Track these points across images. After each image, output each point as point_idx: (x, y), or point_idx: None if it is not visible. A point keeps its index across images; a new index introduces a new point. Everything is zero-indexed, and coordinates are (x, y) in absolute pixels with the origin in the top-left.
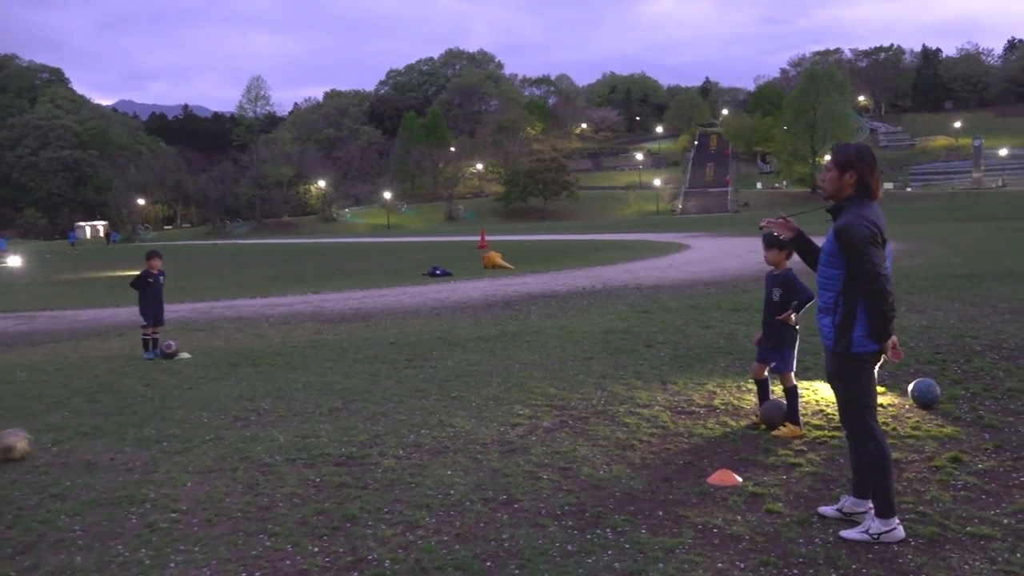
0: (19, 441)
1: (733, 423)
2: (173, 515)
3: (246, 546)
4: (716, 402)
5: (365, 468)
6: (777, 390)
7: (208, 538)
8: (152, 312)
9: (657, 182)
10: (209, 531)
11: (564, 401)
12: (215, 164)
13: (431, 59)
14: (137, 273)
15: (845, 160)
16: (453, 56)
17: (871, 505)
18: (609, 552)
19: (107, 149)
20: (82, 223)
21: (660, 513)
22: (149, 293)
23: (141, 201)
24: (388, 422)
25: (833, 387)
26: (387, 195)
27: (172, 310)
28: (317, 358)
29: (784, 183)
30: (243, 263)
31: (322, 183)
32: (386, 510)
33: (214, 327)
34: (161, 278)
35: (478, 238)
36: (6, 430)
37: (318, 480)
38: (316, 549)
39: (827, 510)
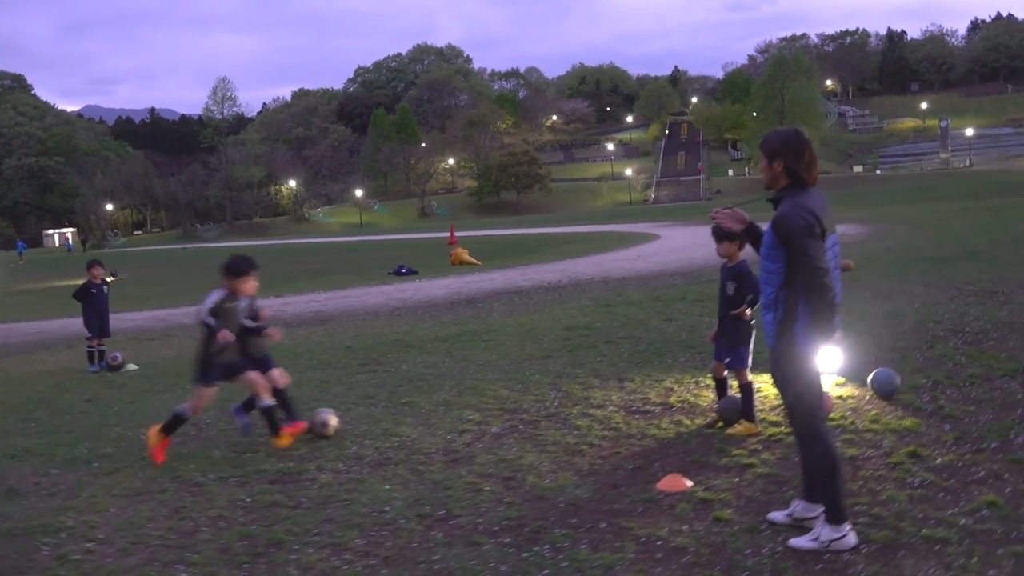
0: (332, 418)
1: (688, 422)
2: (88, 545)
3: None
4: (672, 400)
5: (300, 485)
6: (735, 386)
7: (120, 570)
8: (97, 323)
9: (629, 172)
10: (123, 562)
11: (516, 404)
12: (183, 167)
13: (399, 55)
14: (81, 283)
15: (769, 148)
16: (421, 52)
17: (823, 509)
18: (545, 572)
19: (73, 155)
20: (51, 231)
21: (603, 525)
22: (92, 304)
23: (109, 207)
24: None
25: (777, 387)
26: (359, 193)
27: (128, 318)
28: None
29: (755, 169)
30: (209, 267)
31: (293, 183)
32: (315, 531)
33: (168, 336)
34: (105, 287)
35: (454, 234)
36: (322, 408)
37: (248, 500)
38: None
39: (777, 516)
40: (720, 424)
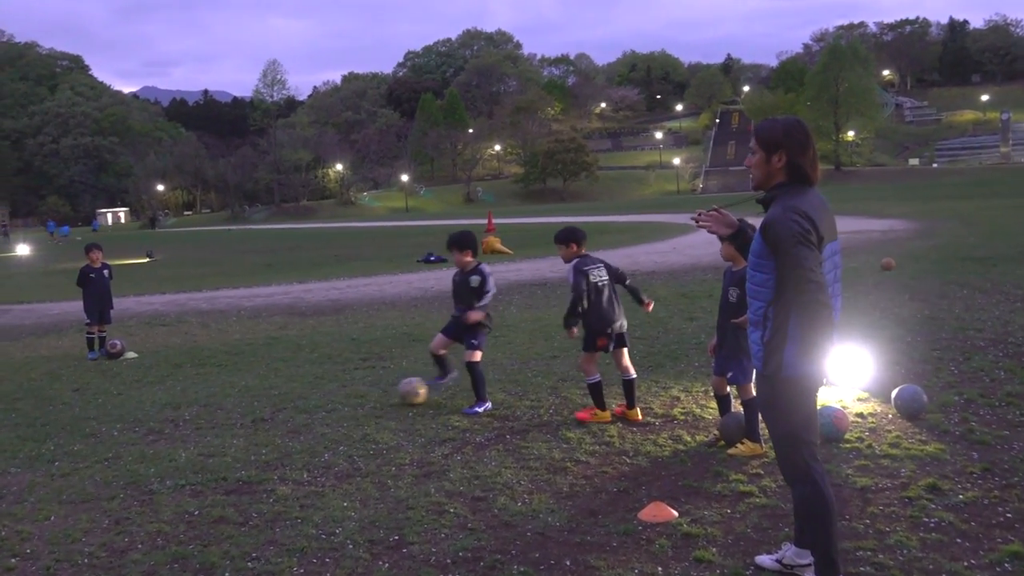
0: (421, 387)
1: (688, 438)
2: (13, 560)
3: None
4: (676, 411)
5: (256, 497)
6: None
7: None
8: (96, 309)
9: (677, 161)
10: None
11: (509, 410)
12: (234, 149)
13: (449, 40)
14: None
15: (771, 139)
16: (471, 37)
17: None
18: None
19: (127, 136)
20: (104, 210)
21: (567, 562)
22: (91, 289)
23: (161, 187)
24: (308, 437)
25: (764, 417)
26: (405, 178)
27: (147, 302)
28: (268, 357)
29: None
30: (245, 250)
31: (340, 167)
32: (254, 555)
33: (180, 322)
34: (105, 272)
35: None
36: (411, 378)
37: (196, 513)
38: None
39: (765, 560)
40: (722, 443)
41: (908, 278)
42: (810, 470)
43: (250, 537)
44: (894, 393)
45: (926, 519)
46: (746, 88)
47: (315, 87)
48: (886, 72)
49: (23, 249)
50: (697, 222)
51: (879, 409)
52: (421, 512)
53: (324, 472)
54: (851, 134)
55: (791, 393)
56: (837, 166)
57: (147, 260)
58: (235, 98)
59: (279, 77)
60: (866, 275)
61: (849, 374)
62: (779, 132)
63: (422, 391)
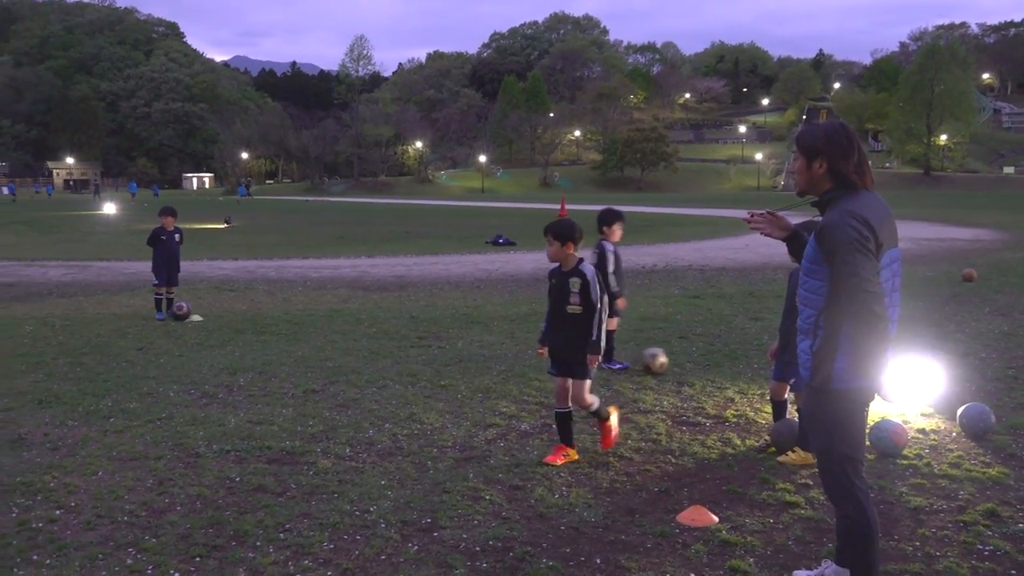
0: (660, 356)
1: (738, 441)
2: (57, 512)
3: (104, 563)
4: (728, 413)
5: (297, 468)
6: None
7: (71, 547)
8: (164, 271)
9: (759, 156)
10: (79, 537)
11: None
12: (317, 121)
13: (535, 23)
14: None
15: (810, 145)
16: (558, 20)
17: None
18: None
19: (216, 103)
20: (190, 174)
21: (598, 560)
22: (161, 251)
23: (245, 155)
24: (355, 411)
25: (808, 429)
26: (483, 159)
27: (218, 267)
28: (327, 329)
29: (896, 162)
30: (320, 221)
31: (419, 144)
32: (287, 526)
33: (248, 288)
34: (176, 236)
35: (564, 207)
36: (652, 348)
37: (237, 480)
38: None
39: (803, 575)
40: (772, 449)
41: (990, 291)
42: (854, 488)
43: (286, 508)
44: (960, 411)
45: (980, 546)
46: (836, 85)
47: (400, 64)
48: (986, 75)
49: (110, 208)
50: (748, 223)
51: (943, 426)
52: (457, 496)
53: (366, 448)
54: (944, 138)
55: (839, 407)
56: (927, 170)
57: (225, 226)
58: (322, 71)
59: (365, 52)
60: (945, 285)
61: (913, 388)
62: (819, 138)
63: (661, 359)
